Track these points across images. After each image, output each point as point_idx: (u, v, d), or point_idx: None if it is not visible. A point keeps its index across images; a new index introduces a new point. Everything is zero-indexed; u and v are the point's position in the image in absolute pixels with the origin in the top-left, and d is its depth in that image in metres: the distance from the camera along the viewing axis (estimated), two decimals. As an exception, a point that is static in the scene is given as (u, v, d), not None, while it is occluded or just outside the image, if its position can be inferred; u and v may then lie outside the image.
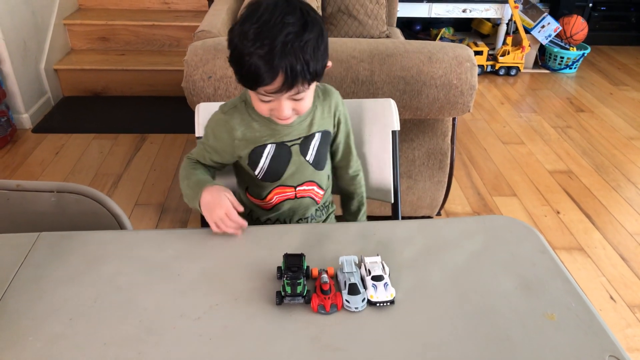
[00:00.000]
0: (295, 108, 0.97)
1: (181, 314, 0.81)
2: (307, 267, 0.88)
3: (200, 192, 1.00)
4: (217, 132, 1.06)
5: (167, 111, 3.13)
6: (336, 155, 1.19)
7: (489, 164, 2.74)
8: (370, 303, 0.83)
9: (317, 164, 1.12)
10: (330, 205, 1.25)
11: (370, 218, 1.21)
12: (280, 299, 0.82)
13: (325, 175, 1.17)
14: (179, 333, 0.78)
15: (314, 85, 0.98)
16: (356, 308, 0.82)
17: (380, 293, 0.83)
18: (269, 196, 1.13)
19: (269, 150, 1.06)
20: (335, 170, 1.22)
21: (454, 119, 1.92)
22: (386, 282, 0.85)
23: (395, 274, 0.88)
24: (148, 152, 2.75)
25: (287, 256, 0.87)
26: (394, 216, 1.27)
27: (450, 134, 1.94)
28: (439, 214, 2.19)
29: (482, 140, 2.99)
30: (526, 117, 3.28)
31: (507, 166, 2.73)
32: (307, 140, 1.09)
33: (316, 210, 1.19)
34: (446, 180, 2.04)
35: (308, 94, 0.97)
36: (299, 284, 0.82)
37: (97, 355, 0.74)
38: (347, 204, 1.28)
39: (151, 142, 2.84)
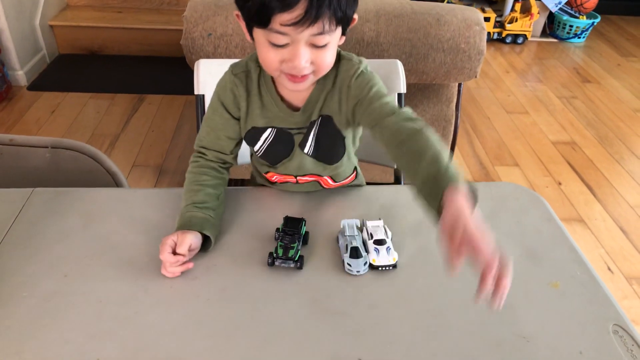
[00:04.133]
0: (314, 61, 0.76)
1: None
2: (307, 232, 0.86)
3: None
4: (222, 94, 0.89)
5: (166, 72, 3.06)
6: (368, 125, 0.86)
7: (492, 133, 2.70)
8: (372, 267, 0.81)
9: (325, 158, 0.93)
10: (355, 173, 1.05)
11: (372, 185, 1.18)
12: (272, 259, 0.80)
13: (341, 168, 0.97)
14: (176, 293, 0.77)
15: (339, 33, 0.77)
16: (357, 272, 0.80)
17: (382, 257, 0.82)
18: (269, 174, 0.99)
19: (269, 134, 0.91)
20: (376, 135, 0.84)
21: (459, 85, 1.87)
22: (388, 247, 0.83)
23: (398, 238, 0.86)
24: (146, 113, 2.70)
25: (287, 219, 0.85)
26: (396, 182, 1.24)
27: (455, 100, 1.90)
28: (440, 182, 2.16)
29: (485, 108, 2.94)
30: (531, 86, 3.22)
31: (510, 136, 2.69)
32: (309, 128, 0.90)
33: None
34: (449, 148, 2.01)
35: (332, 43, 0.76)
36: (292, 247, 0.79)
37: (92, 313, 0.73)
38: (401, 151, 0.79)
39: (149, 103, 2.78)
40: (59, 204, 0.92)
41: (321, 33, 0.73)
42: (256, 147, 0.93)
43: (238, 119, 0.90)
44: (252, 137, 0.92)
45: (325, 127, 0.89)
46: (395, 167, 1.25)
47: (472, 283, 0.79)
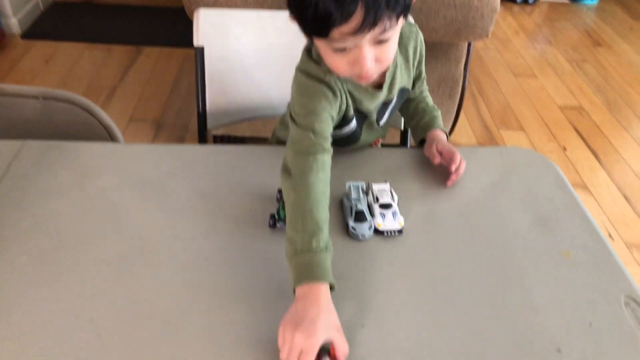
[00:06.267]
0: (378, 57, 0.72)
1: (176, 234, 0.77)
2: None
3: (302, 278, 0.65)
4: (325, 104, 0.78)
5: (164, 23, 2.96)
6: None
7: (498, 96, 2.64)
8: (378, 232, 0.78)
9: (390, 124, 0.97)
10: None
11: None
12: (273, 221, 0.77)
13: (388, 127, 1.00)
14: (173, 253, 0.74)
15: (402, 21, 0.72)
16: (362, 236, 0.77)
17: (388, 222, 0.78)
18: None
19: (353, 126, 0.87)
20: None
21: (469, 45, 1.80)
22: (395, 211, 0.80)
23: (405, 203, 0.83)
24: (143, 65, 2.62)
25: (290, 179, 0.81)
26: (403, 145, 1.20)
27: (464, 60, 1.83)
28: (444, 144, 2.12)
29: (493, 71, 2.86)
30: (541, 49, 3.13)
31: (517, 99, 2.62)
32: (385, 105, 0.89)
33: None
34: (455, 110, 1.96)
35: (394, 35, 0.72)
36: None
37: (86, 272, 0.70)
38: (414, 113, 0.99)
39: (147, 55, 2.70)
40: (50, 158, 0.87)
41: (383, 31, 0.69)
42: (344, 131, 0.87)
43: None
44: (338, 125, 0.85)
45: (401, 97, 0.92)
46: (402, 128, 1.20)
47: (480, 251, 0.77)
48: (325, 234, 0.68)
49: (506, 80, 2.78)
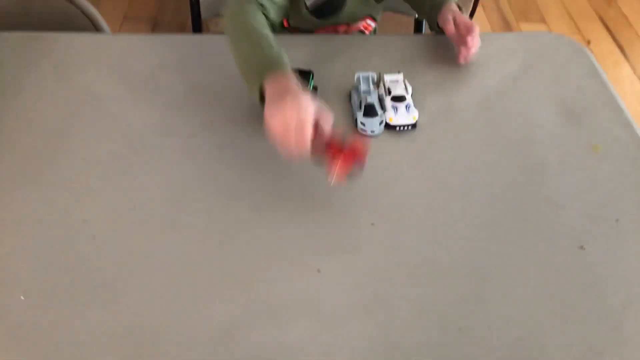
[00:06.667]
0: None
1: (170, 131, 0.71)
2: (315, 87, 0.75)
3: (265, 74, 0.61)
4: None
5: None
6: None
7: (519, -15, 2.43)
8: (389, 126, 0.72)
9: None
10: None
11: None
12: None
13: (382, 5, 0.93)
14: (169, 152, 0.68)
15: None
16: (372, 132, 0.71)
17: (400, 115, 0.72)
18: (315, 32, 0.89)
19: None
20: None
21: None
22: (408, 104, 0.73)
23: (419, 95, 0.76)
24: (134, -44, 2.41)
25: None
26: (417, 32, 1.09)
27: (485, -61, 1.64)
28: (459, 39, 1.98)
29: (515, -45, 2.61)
30: None
31: (540, -13, 2.42)
32: None
33: None
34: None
35: None
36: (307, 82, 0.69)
37: (77, 172, 0.65)
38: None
39: (137, -55, 2.48)
40: (30, 51, 0.80)
41: None
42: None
43: None
44: None
45: None
46: (417, 15, 1.09)
47: (499, 145, 0.71)
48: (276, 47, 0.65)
49: (529, -35, 2.54)
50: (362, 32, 0.94)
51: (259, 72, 0.62)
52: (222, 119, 0.72)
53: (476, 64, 0.82)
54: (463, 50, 0.78)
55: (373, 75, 0.76)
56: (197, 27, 1.03)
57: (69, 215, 0.61)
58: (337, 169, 0.58)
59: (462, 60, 0.79)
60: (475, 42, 0.78)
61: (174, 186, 0.64)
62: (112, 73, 0.78)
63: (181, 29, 2.08)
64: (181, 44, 0.84)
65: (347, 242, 0.60)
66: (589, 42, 2.16)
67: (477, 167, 0.68)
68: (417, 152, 0.70)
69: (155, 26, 2.08)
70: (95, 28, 0.89)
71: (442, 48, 0.84)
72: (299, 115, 0.56)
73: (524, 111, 0.75)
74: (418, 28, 1.11)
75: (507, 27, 2.21)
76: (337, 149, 0.58)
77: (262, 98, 0.61)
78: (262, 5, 0.72)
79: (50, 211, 0.61)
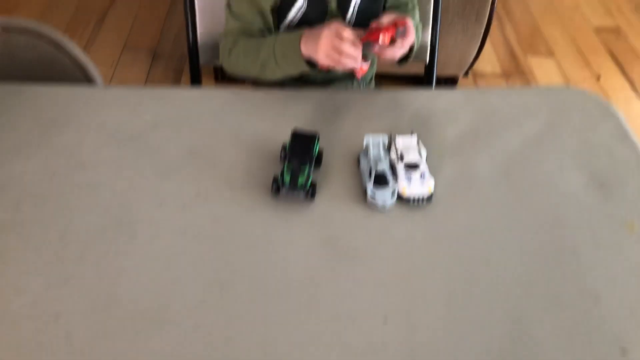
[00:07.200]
0: None
1: (161, 201, 0.64)
2: (320, 151, 0.68)
3: (299, 35, 0.73)
4: None
5: None
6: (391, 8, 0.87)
7: (526, 18, 2.39)
8: (402, 198, 0.65)
9: (367, 22, 0.83)
10: (372, 81, 0.98)
11: (396, 79, 0.98)
12: (277, 187, 0.64)
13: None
14: (157, 226, 0.61)
15: None
16: (383, 204, 0.64)
17: (414, 186, 0.65)
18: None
19: (303, 1, 0.80)
20: None
21: (501, -42, 1.56)
22: (423, 172, 0.66)
23: (434, 158, 0.69)
24: (136, -15, 2.38)
25: (296, 133, 0.67)
26: (427, 80, 1.03)
27: (494, -24, 1.60)
28: (466, 74, 1.93)
29: (520, -14, 2.58)
30: (575, -40, 2.80)
31: (547, 20, 2.38)
32: None
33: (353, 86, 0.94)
34: (481, 34, 1.75)
35: None
36: (301, 172, 0.63)
37: (52, 252, 0.58)
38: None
39: (140, -27, 2.45)
40: (11, 106, 0.73)
41: None
42: (290, 16, 0.81)
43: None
44: (282, 11, 0.81)
45: None
46: (427, 60, 1.03)
47: (524, 222, 0.64)
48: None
49: (536, -2, 2.51)
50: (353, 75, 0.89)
51: (288, 47, 0.74)
52: (217, 187, 0.66)
53: (496, 123, 0.76)
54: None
55: (384, 138, 0.70)
56: (195, 75, 0.97)
57: (39, 308, 0.53)
58: (385, 38, 0.69)
59: (382, 54, 0.73)
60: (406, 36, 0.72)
61: (161, 272, 0.57)
62: (100, 132, 0.72)
63: (182, 60, 2.04)
64: (176, 99, 0.79)
65: (357, 341, 0.52)
66: (599, 77, 2.11)
67: (500, 248, 0.61)
68: (434, 229, 0.63)
69: (156, 57, 2.03)
70: (86, 78, 0.83)
71: (458, 104, 0.78)
72: (330, 31, 0.69)
73: (549, 181, 0.69)
74: (428, 76, 1.05)
75: (515, 60, 2.16)
76: (376, 30, 0.70)
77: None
78: (243, 31, 0.81)
79: (17, 303, 0.54)
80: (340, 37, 0.69)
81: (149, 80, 1.94)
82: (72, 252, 0.58)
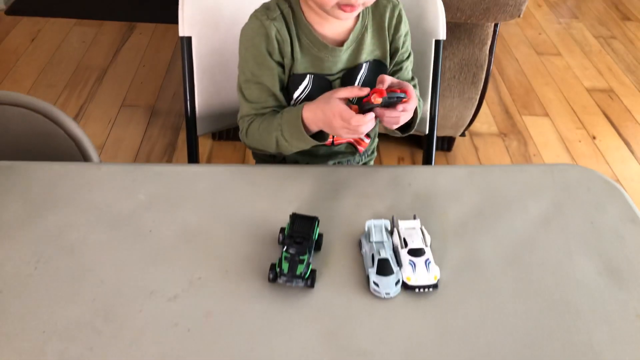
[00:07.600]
0: None
1: (151, 290, 0.60)
2: (320, 235, 0.65)
3: (300, 117, 0.75)
4: (265, 44, 0.79)
5: (159, -4, 2.74)
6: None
7: (520, 78, 2.43)
8: (407, 287, 0.62)
9: None
10: (373, 152, 0.99)
11: (398, 138, 0.95)
12: (274, 275, 0.61)
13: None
14: (146, 320, 0.57)
15: None
16: (387, 294, 0.61)
17: (420, 274, 0.62)
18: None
19: (307, 82, 0.83)
20: None
21: (495, 26, 1.60)
22: (427, 259, 0.63)
23: (438, 243, 0.66)
24: (137, 44, 2.42)
25: (295, 217, 0.64)
26: (427, 152, 1.02)
27: (489, 42, 1.64)
28: (463, 134, 1.94)
29: (513, 48, 2.64)
30: (565, 23, 2.89)
31: (540, 81, 2.42)
32: (351, 73, 0.84)
33: (355, 159, 0.96)
34: (478, 97, 1.77)
35: None
36: (301, 261, 0.59)
37: (31, 350, 0.54)
38: None
39: (140, 33, 2.50)
40: (0, 182, 0.71)
41: None
42: (295, 95, 0.84)
43: (283, 67, 0.82)
44: (289, 90, 0.84)
45: (374, 71, 0.84)
46: (426, 131, 1.02)
47: (533, 310, 0.60)
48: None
49: (528, 59, 2.56)
50: (354, 145, 0.92)
51: (292, 127, 0.76)
52: (211, 275, 0.62)
53: (500, 202, 0.74)
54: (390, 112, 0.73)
55: (386, 222, 0.67)
56: (192, 148, 0.96)
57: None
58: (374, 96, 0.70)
59: (388, 122, 0.74)
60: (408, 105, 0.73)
61: (149, 372, 0.53)
62: (91, 212, 0.69)
63: (180, 117, 2.04)
64: (172, 176, 0.76)
65: None
66: (594, 138, 2.13)
67: (511, 338, 0.57)
68: (440, 319, 0.59)
69: (154, 114, 2.04)
70: (80, 152, 0.81)
71: (461, 182, 0.76)
72: (332, 110, 0.71)
73: (559, 267, 0.66)
74: (427, 152, 1.03)
75: (510, 120, 2.18)
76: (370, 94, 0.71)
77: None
78: (257, 113, 0.82)
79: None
80: (346, 120, 0.70)
81: (146, 137, 1.94)
82: (53, 349, 0.54)
